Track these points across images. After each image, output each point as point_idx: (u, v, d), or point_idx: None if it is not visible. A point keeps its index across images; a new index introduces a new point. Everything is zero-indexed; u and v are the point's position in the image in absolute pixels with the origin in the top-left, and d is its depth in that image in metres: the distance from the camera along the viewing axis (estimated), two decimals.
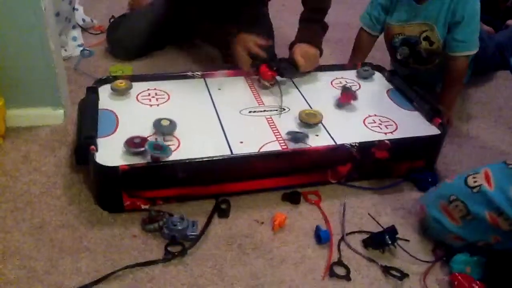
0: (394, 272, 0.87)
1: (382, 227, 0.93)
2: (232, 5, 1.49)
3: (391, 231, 0.91)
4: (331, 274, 0.86)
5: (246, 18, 1.45)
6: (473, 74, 1.47)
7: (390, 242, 0.90)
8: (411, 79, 1.32)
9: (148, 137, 0.99)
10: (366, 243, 0.93)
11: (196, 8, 1.54)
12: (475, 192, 0.84)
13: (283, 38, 1.57)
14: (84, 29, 1.66)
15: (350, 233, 0.95)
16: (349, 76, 1.34)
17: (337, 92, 1.25)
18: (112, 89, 1.16)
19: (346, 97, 1.19)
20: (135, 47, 1.52)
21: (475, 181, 0.85)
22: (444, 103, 1.30)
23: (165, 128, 1.01)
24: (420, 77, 1.42)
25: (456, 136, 1.28)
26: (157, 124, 1.02)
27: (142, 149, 0.95)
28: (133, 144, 0.96)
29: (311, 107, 1.18)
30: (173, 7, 1.56)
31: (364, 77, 1.34)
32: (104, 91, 1.17)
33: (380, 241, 0.91)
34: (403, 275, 0.86)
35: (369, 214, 0.99)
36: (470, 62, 1.32)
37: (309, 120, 1.09)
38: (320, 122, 1.10)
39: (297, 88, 1.27)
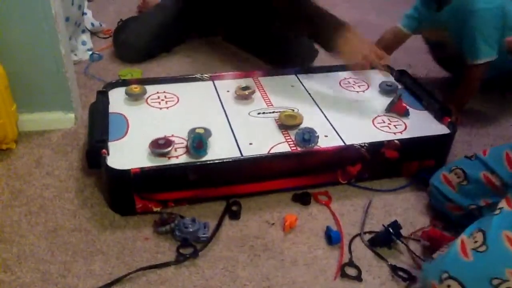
0: (401, 273, 0.87)
1: (384, 225, 0.93)
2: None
3: (394, 226, 0.92)
4: (343, 274, 0.87)
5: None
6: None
7: (395, 238, 0.91)
8: None
9: (159, 138, 1.00)
10: (372, 242, 0.93)
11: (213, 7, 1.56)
12: (472, 159, 0.96)
13: None
14: (93, 33, 1.67)
15: (358, 235, 0.95)
16: (357, 76, 1.34)
17: (345, 92, 1.25)
18: (126, 93, 1.17)
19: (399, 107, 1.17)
20: (142, 49, 1.52)
21: (472, 155, 0.98)
22: (454, 103, 1.29)
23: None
24: None
25: (466, 134, 1.28)
26: (192, 133, 1.03)
27: (168, 149, 0.97)
28: (158, 146, 0.98)
29: (320, 108, 1.19)
30: (183, 8, 1.57)
31: (387, 92, 1.26)
32: (114, 95, 1.18)
33: (385, 238, 0.92)
34: (409, 278, 0.86)
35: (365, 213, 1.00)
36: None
37: (288, 122, 1.09)
38: (300, 124, 1.09)
39: (305, 89, 1.27)
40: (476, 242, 0.73)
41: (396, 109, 1.17)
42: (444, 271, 0.73)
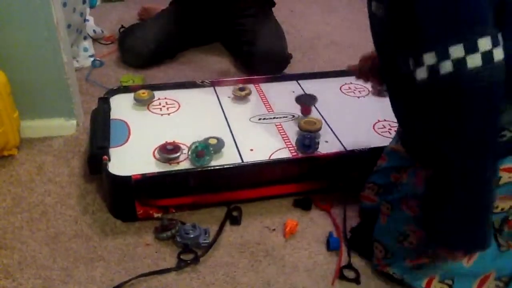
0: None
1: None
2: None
3: None
4: (341, 277, 0.87)
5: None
6: None
7: None
8: None
9: (168, 143, 1.02)
10: None
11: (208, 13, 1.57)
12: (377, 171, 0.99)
13: (290, 43, 1.58)
14: (94, 40, 1.68)
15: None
16: (358, 82, 1.34)
17: (346, 98, 1.25)
18: (135, 99, 1.18)
19: (306, 110, 1.18)
20: (147, 54, 1.53)
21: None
22: None
23: (213, 146, 1.01)
24: None
25: None
26: (204, 142, 1.02)
27: (177, 154, 0.98)
28: (167, 151, 0.99)
29: (320, 113, 1.19)
30: (183, 15, 1.58)
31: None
32: (116, 101, 1.19)
33: None
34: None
35: None
36: None
37: (308, 128, 1.09)
38: (320, 129, 1.10)
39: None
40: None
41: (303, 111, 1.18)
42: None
